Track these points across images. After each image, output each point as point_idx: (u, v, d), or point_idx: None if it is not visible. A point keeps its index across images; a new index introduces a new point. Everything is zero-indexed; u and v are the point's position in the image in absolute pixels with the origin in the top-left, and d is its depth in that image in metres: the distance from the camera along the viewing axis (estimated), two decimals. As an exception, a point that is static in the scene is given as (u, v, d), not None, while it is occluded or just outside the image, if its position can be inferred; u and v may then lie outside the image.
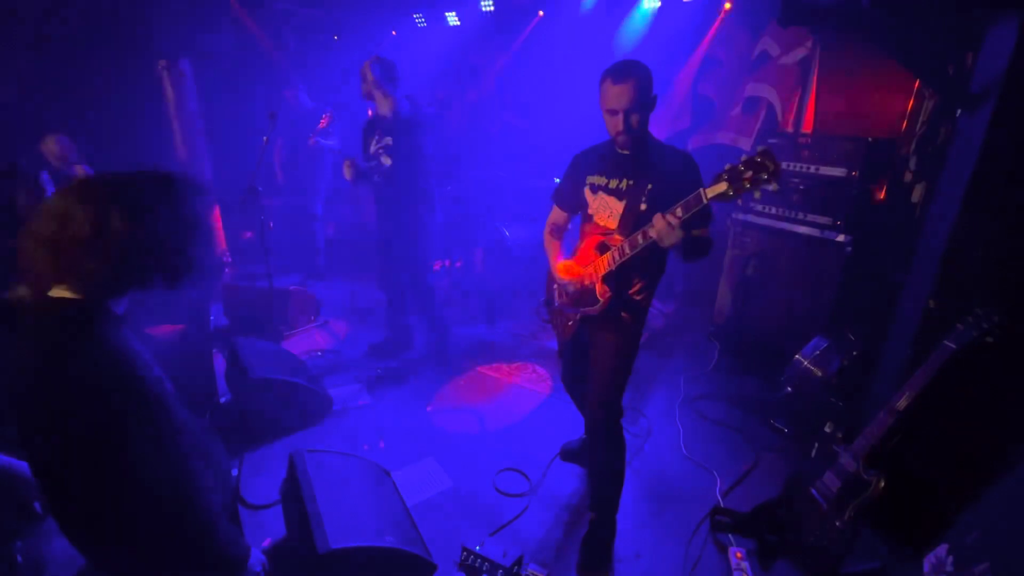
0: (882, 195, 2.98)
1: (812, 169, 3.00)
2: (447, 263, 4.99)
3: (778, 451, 2.67)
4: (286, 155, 5.12)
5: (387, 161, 3.02)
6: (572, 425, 2.79)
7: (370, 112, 3.18)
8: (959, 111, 2.20)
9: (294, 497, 1.88)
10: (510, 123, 5.38)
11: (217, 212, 4.75)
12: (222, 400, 2.86)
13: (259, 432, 2.67)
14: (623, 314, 1.92)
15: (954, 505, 1.75)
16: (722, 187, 1.50)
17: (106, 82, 4.23)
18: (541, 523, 2.23)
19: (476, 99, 5.65)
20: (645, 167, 1.81)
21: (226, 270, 4.50)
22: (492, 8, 4.85)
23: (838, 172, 2.89)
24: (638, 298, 1.92)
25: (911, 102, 3.03)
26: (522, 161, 5.04)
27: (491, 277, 4.57)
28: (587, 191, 1.96)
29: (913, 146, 2.85)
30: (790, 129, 3.70)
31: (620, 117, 1.73)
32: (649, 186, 1.77)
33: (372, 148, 3.09)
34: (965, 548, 1.46)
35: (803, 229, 3.04)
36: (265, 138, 3.17)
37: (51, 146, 3.42)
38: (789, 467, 2.53)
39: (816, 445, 2.06)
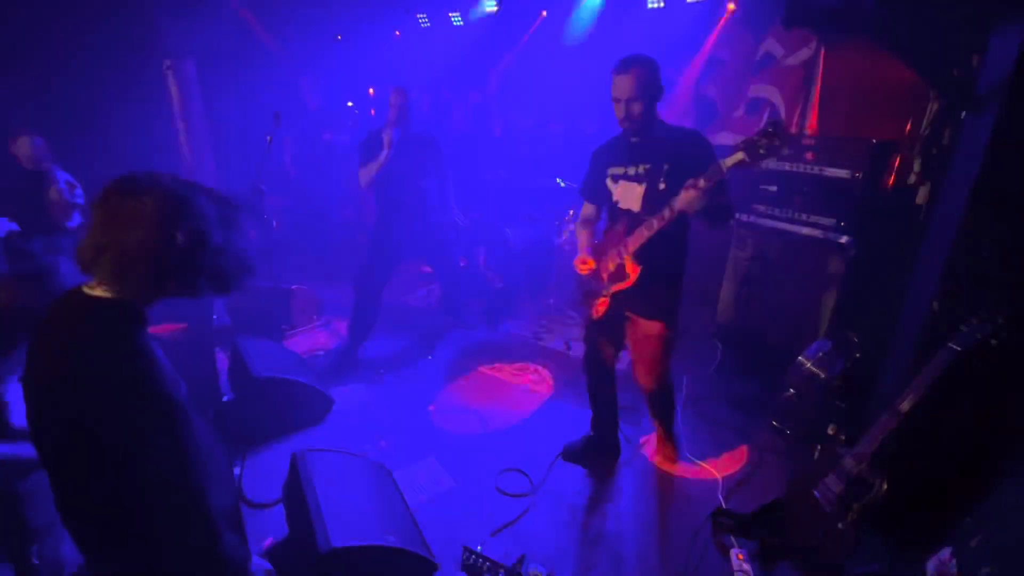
0: (886, 197, 2.97)
1: (815, 170, 2.99)
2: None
3: (780, 453, 2.66)
4: (296, 152, 5.15)
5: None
6: (574, 425, 2.79)
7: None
8: (964, 113, 2.19)
9: (296, 496, 1.88)
10: (513, 123, 5.39)
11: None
12: (225, 399, 2.87)
13: (261, 431, 2.67)
14: (657, 290, 2.10)
15: (958, 508, 1.74)
16: (739, 156, 1.69)
17: (110, 81, 4.24)
18: (543, 523, 2.23)
19: (479, 99, 5.65)
20: (658, 150, 1.96)
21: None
22: (496, 9, 4.85)
23: (842, 173, 2.88)
24: (668, 271, 2.11)
25: (915, 103, 3.02)
26: (525, 161, 5.04)
27: (493, 277, 4.57)
28: (609, 182, 2.11)
29: (918, 148, 2.84)
30: (794, 130, 3.69)
31: (622, 105, 1.89)
32: (665, 166, 1.93)
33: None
34: (969, 551, 1.46)
35: (806, 230, 3.03)
36: (269, 137, 3.18)
37: (24, 148, 3.32)
38: (791, 469, 2.53)
39: (819, 447, 2.06)
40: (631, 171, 2.03)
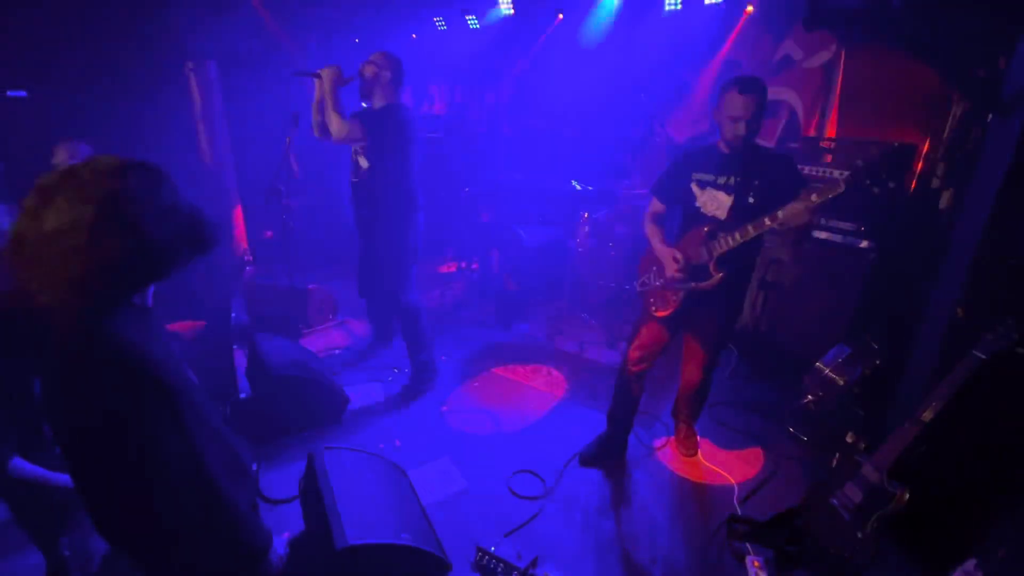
0: (908, 201, 2.92)
1: (835, 174, 2.95)
2: (463, 265, 5.01)
3: (797, 460, 2.63)
4: (302, 149, 5.19)
5: (364, 163, 2.80)
6: (587, 428, 2.78)
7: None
8: (990, 116, 2.15)
9: (312, 493, 1.90)
10: (528, 125, 5.40)
11: (239, 212, 4.84)
12: (242, 396, 2.91)
13: (278, 428, 2.71)
14: (731, 293, 2.21)
15: (983, 518, 1.71)
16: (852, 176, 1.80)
17: (133, 83, 4.34)
18: (556, 525, 2.23)
19: (495, 101, 5.68)
20: (751, 166, 2.06)
21: (247, 268, 4.58)
22: (512, 11, 4.87)
23: (862, 177, 2.83)
24: (742, 277, 2.24)
25: (939, 106, 2.97)
26: (539, 163, 5.05)
27: (507, 279, 4.58)
28: (694, 186, 2.20)
29: (941, 152, 2.79)
30: (812, 133, 3.65)
31: (742, 124, 1.98)
32: (756, 182, 2.03)
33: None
34: (995, 563, 1.42)
35: (825, 235, 2.99)
36: (288, 138, 3.22)
37: (61, 156, 3.02)
38: (808, 476, 2.49)
39: (837, 455, 2.03)
40: (721, 180, 2.11)
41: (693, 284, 2.18)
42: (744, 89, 1.96)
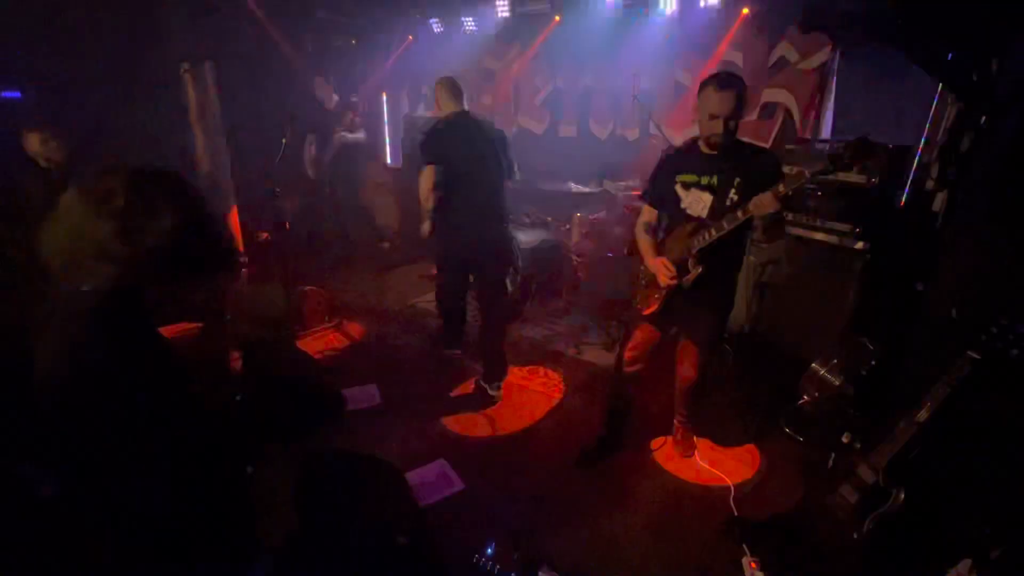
0: (902, 203, 2.93)
1: (830, 176, 2.95)
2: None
3: (793, 461, 2.63)
4: (316, 152, 5.22)
5: None
6: (584, 429, 2.78)
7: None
8: (983, 118, 2.16)
9: (308, 495, 1.89)
10: (524, 126, 5.40)
11: (235, 213, 4.82)
12: (237, 398, 2.90)
13: (273, 430, 2.69)
14: (715, 288, 2.20)
15: (977, 519, 1.71)
16: (823, 166, 1.80)
17: (128, 85, 4.32)
18: (554, 528, 2.22)
19: (491, 104, 5.68)
20: (733, 164, 2.04)
21: (243, 270, 4.56)
22: (508, 14, 4.87)
23: (857, 179, 2.85)
24: (726, 272, 2.23)
25: (933, 108, 2.98)
26: (536, 164, 5.05)
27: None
28: (679, 188, 2.19)
29: (935, 154, 2.80)
30: (808, 135, 3.67)
31: (720, 121, 1.95)
32: (737, 180, 2.01)
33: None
34: (989, 564, 1.43)
35: (821, 236, 3.00)
36: (284, 139, 3.21)
37: (33, 145, 3.09)
38: (805, 477, 2.50)
39: (833, 455, 2.03)
40: (703, 180, 2.11)
41: (673, 283, 2.18)
42: (721, 86, 1.93)
